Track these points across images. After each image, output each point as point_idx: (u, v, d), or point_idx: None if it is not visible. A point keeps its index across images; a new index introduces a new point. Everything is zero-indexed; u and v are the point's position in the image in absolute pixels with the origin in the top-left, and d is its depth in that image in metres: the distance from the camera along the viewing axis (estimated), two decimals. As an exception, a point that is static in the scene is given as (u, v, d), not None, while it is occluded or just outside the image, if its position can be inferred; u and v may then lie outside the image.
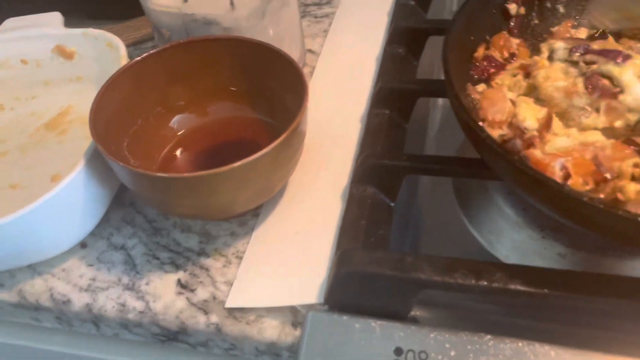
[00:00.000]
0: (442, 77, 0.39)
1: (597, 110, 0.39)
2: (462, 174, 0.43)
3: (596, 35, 0.48)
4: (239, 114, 0.50)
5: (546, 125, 0.39)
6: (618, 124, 0.39)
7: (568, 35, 0.47)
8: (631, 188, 0.34)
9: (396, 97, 0.47)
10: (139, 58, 0.46)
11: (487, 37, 0.47)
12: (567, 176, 0.34)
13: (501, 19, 0.48)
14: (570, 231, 0.43)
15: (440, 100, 0.59)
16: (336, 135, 0.50)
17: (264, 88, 0.48)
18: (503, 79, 0.44)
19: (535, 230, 0.44)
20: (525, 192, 0.36)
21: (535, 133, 0.38)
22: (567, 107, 0.40)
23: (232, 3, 0.48)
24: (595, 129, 0.40)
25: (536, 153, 0.37)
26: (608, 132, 0.40)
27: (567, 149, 0.38)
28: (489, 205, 0.47)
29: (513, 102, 0.41)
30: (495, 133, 0.38)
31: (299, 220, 0.45)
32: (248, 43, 0.46)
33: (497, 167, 0.36)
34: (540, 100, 0.41)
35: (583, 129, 0.40)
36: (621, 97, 0.39)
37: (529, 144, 0.37)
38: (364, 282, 0.35)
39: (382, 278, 0.34)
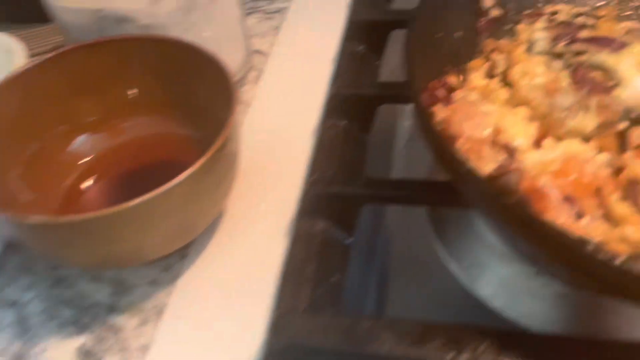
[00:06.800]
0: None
1: (586, 110, 0.31)
2: (436, 202, 0.35)
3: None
4: (163, 130, 0.41)
5: (537, 145, 0.30)
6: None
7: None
8: None
9: (354, 104, 0.39)
10: (31, 64, 0.37)
11: (454, 35, 0.38)
12: (580, 214, 0.25)
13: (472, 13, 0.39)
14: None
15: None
16: (283, 154, 0.41)
17: (190, 97, 0.39)
18: (473, 80, 0.35)
19: (528, 265, 0.36)
20: (530, 244, 0.27)
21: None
22: (549, 108, 0.31)
23: (149, -6, 0.39)
24: (582, 134, 0.31)
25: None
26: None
27: (547, 163, 0.29)
28: (470, 234, 0.38)
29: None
30: (474, 157, 0.28)
31: (235, 265, 0.36)
32: (165, 42, 0.37)
33: (486, 210, 0.27)
34: (517, 103, 0.32)
35: (566, 135, 0.31)
36: (615, 92, 0.31)
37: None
38: (306, 357, 0.26)
39: (328, 353, 0.26)
